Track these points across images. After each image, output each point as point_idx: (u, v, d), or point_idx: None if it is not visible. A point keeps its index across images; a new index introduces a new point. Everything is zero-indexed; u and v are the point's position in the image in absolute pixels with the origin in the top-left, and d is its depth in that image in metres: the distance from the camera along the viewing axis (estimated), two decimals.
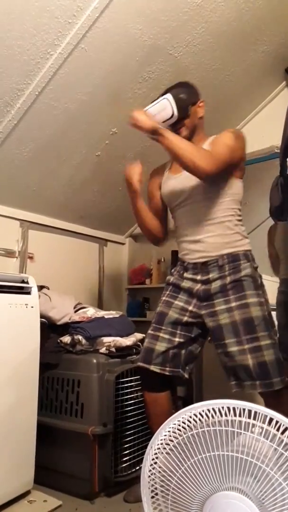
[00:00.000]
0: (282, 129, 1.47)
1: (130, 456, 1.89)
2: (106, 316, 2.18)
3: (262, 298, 1.57)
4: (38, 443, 1.73)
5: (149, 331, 1.68)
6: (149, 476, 0.98)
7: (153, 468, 0.98)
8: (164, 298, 1.72)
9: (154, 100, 1.61)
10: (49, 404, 1.93)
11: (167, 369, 1.60)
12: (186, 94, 1.64)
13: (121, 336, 2.06)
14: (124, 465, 1.86)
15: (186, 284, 1.67)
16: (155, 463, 0.97)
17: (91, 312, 2.23)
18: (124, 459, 1.87)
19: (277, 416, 0.85)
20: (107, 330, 2.04)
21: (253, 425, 0.87)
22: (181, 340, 1.63)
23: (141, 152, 2.60)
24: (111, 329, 2.05)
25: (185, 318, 1.63)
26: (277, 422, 0.85)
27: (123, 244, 3.44)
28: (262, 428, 0.86)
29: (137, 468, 1.87)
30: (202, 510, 0.94)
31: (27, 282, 1.78)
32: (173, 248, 3.10)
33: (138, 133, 2.52)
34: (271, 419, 0.85)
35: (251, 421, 0.87)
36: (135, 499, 1.71)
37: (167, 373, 1.60)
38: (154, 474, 0.97)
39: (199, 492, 0.93)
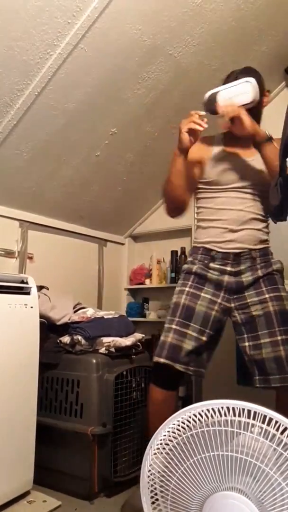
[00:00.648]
0: (281, 130, 1.46)
1: (129, 456, 1.89)
2: (105, 316, 2.18)
3: None
4: (38, 443, 1.73)
5: (175, 326, 1.55)
6: (149, 476, 0.98)
7: (153, 468, 0.97)
8: (187, 289, 1.59)
9: (227, 81, 1.55)
10: (49, 404, 1.93)
11: (191, 368, 1.53)
12: (259, 82, 1.55)
13: (121, 336, 2.06)
14: (123, 465, 1.86)
15: (212, 275, 1.59)
16: (155, 463, 0.97)
17: (90, 312, 2.23)
18: (124, 459, 1.87)
19: (276, 416, 0.85)
20: (107, 330, 2.04)
21: (253, 425, 0.87)
22: (208, 339, 1.56)
23: (141, 152, 2.61)
24: (110, 329, 2.05)
25: (214, 313, 1.56)
26: (276, 422, 0.85)
27: (122, 244, 3.44)
28: (262, 428, 0.86)
29: (137, 468, 1.87)
30: (201, 510, 0.93)
31: (26, 283, 1.78)
32: (173, 248, 3.11)
33: (138, 133, 2.52)
34: (270, 419, 0.85)
35: (251, 421, 0.87)
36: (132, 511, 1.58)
37: (190, 373, 1.54)
38: (154, 474, 0.97)
39: (198, 492, 0.93)
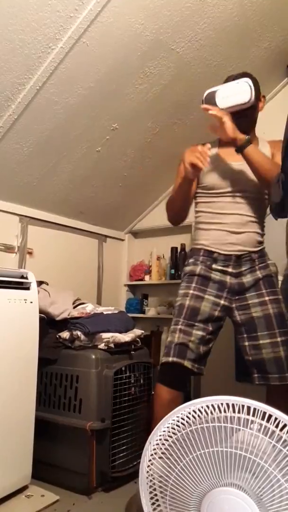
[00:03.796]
0: (284, 126, 1.46)
1: (127, 452, 1.90)
2: (105, 312, 2.18)
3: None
4: (36, 438, 1.74)
5: (180, 326, 1.57)
6: (148, 472, 0.98)
7: (152, 464, 0.98)
8: (191, 291, 1.62)
9: (226, 82, 1.57)
10: (48, 399, 1.93)
11: (196, 365, 1.55)
12: (257, 85, 1.60)
13: (120, 332, 2.06)
14: (121, 460, 1.86)
15: (215, 276, 1.63)
16: (154, 458, 0.97)
17: (90, 308, 2.22)
18: (122, 454, 1.87)
19: (276, 412, 0.85)
20: (106, 326, 2.04)
21: (252, 422, 0.87)
22: (210, 337, 1.60)
23: (142, 147, 2.60)
24: (110, 325, 2.05)
25: (216, 313, 1.60)
26: (276, 418, 0.85)
27: (122, 240, 3.43)
28: (261, 424, 0.86)
29: (135, 463, 1.88)
30: (200, 505, 0.94)
31: (26, 278, 1.78)
32: (173, 245, 3.11)
33: (139, 129, 2.51)
34: (270, 416, 0.85)
35: (250, 417, 0.87)
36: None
37: (195, 370, 1.55)
38: (153, 469, 0.98)
39: (197, 488, 0.94)
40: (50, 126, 2.15)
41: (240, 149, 1.53)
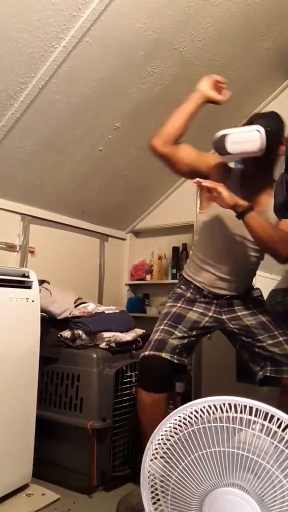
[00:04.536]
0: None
1: (128, 451, 1.90)
2: (106, 311, 2.18)
3: None
4: (37, 437, 1.74)
5: (163, 327, 1.63)
6: (149, 471, 0.98)
7: (153, 464, 0.98)
8: (179, 304, 1.71)
9: (249, 121, 1.54)
10: (49, 398, 1.93)
11: (176, 357, 1.59)
12: (277, 131, 1.53)
13: (121, 332, 2.06)
14: (122, 459, 1.86)
15: (203, 299, 1.70)
16: (155, 458, 0.97)
17: (91, 307, 2.22)
18: (123, 454, 1.87)
19: (278, 413, 0.85)
20: (107, 325, 2.04)
21: (254, 422, 0.87)
22: (193, 339, 1.67)
23: (144, 147, 2.59)
24: (111, 324, 2.05)
25: (204, 322, 1.67)
26: (278, 419, 0.85)
27: (124, 239, 3.43)
28: (263, 425, 0.86)
29: (136, 463, 1.87)
30: (202, 505, 0.94)
31: (28, 276, 1.78)
32: (174, 245, 3.11)
33: (141, 128, 2.52)
34: (272, 416, 0.85)
35: (252, 418, 0.87)
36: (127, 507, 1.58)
37: (175, 361, 1.59)
38: (154, 469, 0.98)
39: (199, 488, 0.94)
40: (52, 125, 2.15)
41: (240, 216, 1.48)
